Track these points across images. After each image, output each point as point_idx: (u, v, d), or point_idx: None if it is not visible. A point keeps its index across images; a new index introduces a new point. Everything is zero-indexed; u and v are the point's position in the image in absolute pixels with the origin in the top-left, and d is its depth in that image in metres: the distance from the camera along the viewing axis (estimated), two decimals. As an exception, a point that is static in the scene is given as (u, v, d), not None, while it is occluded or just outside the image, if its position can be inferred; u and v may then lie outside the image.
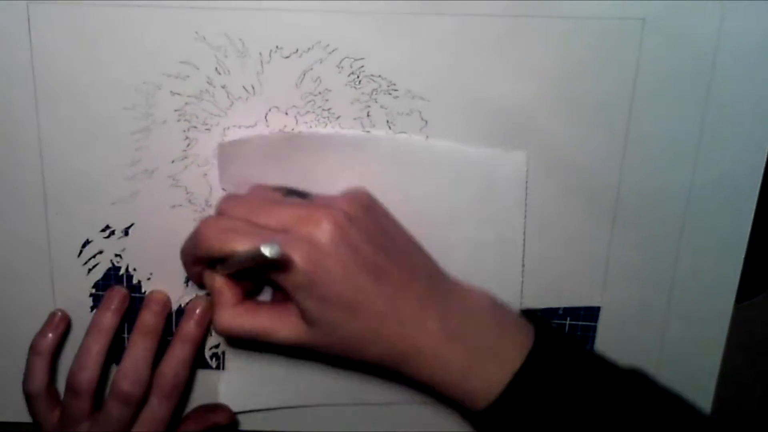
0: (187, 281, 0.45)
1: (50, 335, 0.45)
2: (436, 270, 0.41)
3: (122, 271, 0.45)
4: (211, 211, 0.43)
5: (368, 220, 0.38)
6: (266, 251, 0.32)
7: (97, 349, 0.43)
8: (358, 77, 0.40)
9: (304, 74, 0.40)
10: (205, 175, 0.42)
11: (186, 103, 0.41)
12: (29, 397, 0.45)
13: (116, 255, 0.44)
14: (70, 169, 0.43)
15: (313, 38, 0.40)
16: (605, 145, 0.41)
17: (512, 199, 0.43)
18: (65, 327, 0.45)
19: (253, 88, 0.41)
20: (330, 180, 0.42)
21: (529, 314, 0.42)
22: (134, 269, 0.45)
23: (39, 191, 0.43)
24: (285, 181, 0.42)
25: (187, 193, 0.43)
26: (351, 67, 0.40)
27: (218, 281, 0.40)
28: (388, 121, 0.41)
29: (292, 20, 0.39)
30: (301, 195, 0.41)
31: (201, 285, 0.43)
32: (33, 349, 0.44)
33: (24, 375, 0.45)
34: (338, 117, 0.41)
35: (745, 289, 0.45)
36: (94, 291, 0.45)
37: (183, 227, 0.43)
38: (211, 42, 0.40)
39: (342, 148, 0.41)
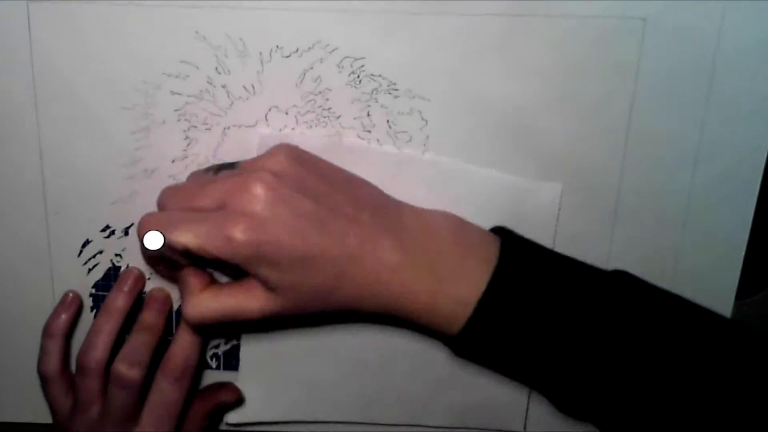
0: (187, 281, 0.45)
1: (63, 316, 0.44)
2: (384, 198, 0.40)
3: (122, 271, 0.45)
4: (212, 211, 0.43)
5: (297, 172, 0.37)
6: (148, 244, 0.34)
7: (108, 329, 0.43)
8: (358, 77, 0.40)
9: (305, 74, 0.40)
10: (206, 174, 0.42)
11: (186, 103, 0.41)
12: (43, 379, 0.44)
13: (116, 255, 0.44)
14: (70, 168, 0.42)
15: (314, 38, 0.39)
16: (606, 144, 0.41)
17: (543, 229, 0.43)
18: (77, 308, 0.45)
19: (254, 87, 0.41)
20: None
21: (498, 229, 0.41)
22: (134, 269, 0.45)
23: (39, 191, 0.43)
24: None
25: (188, 192, 0.43)
26: (351, 66, 0.40)
27: (182, 271, 0.40)
28: (388, 121, 0.41)
29: (292, 20, 0.39)
30: (231, 166, 0.40)
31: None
32: (45, 331, 0.44)
33: (38, 357, 0.44)
34: (338, 116, 0.41)
35: (746, 286, 0.45)
36: (94, 291, 0.45)
37: (183, 227, 0.43)
38: (212, 41, 0.40)
39: (381, 164, 0.41)
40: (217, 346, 0.46)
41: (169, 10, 0.39)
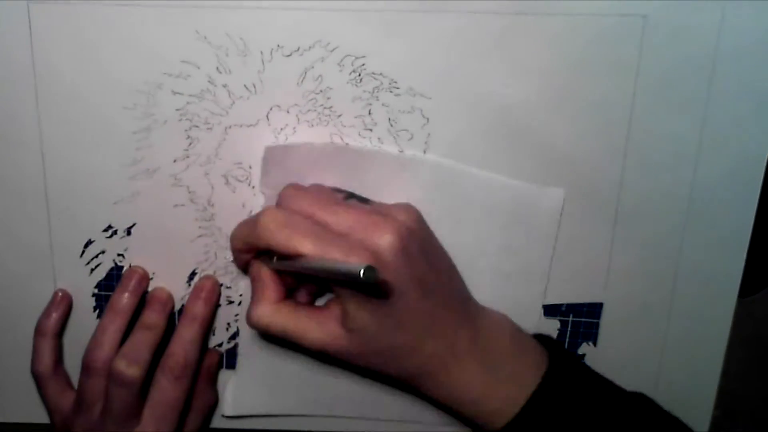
0: (189, 281, 0.45)
1: (54, 315, 0.45)
2: (468, 293, 0.42)
3: (125, 270, 0.45)
4: (213, 210, 0.43)
5: (423, 235, 0.39)
6: (363, 273, 0.32)
7: (113, 328, 0.43)
8: (359, 75, 0.40)
9: (306, 73, 0.40)
10: (207, 174, 0.42)
11: (187, 103, 0.41)
12: (38, 379, 0.45)
13: (119, 255, 0.44)
14: (72, 169, 0.43)
15: (314, 37, 0.40)
16: (606, 143, 0.41)
17: (543, 234, 0.43)
18: (67, 306, 0.45)
19: (255, 87, 0.41)
20: (370, 196, 0.42)
21: (542, 338, 0.43)
22: (136, 269, 0.45)
23: (41, 192, 0.43)
24: None
25: (189, 192, 0.43)
26: (352, 65, 0.40)
27: (265, 274, 0.40)
28: (389, 119, 0.41)
29: (293, 19, 0.39)
30: (362, 200, 0.41)
31: (244, 270, 0.43)
32: (37, 330, 0.45)
33: (31, 357, 0.45)
34: (340, 115, 0.41)
35: (748, 284, 0.45)
36: (96, 291, 0.45)
37: (185, 226, 0.43)
38: (212, 41, 0.40)
39: (386, 166, 0.42)
40: (219, 345, 0.47)
41: (169, 10, 0.39)
